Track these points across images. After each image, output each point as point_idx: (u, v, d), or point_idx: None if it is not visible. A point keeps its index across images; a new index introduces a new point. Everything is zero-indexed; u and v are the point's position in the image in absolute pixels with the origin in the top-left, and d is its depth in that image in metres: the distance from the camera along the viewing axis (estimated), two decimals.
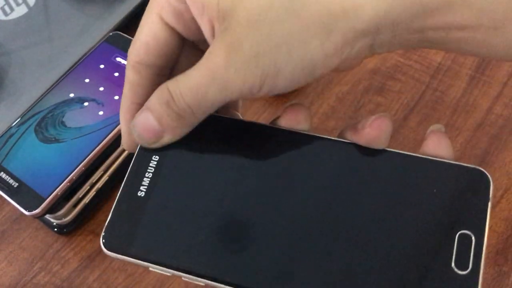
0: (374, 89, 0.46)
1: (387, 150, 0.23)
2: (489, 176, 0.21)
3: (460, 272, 0.20)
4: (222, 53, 0.21)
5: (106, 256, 0.40)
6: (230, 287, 0.21)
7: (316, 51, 0.21)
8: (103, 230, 0.23)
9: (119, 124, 0.40)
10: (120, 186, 0.24)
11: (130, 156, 0.42)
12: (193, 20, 0.24)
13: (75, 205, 0.40)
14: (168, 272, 0.22)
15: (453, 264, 0.20)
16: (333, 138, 0.24)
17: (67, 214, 0.40)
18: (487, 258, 0.37)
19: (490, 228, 0.38)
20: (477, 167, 0.22)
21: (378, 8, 0.20)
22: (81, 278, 0.39)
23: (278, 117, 0.25)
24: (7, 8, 0.53)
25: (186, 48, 0.26)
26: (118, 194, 0.23)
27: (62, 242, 0.41)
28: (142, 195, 0.23)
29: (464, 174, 0.22)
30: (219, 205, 0.23)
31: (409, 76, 0.46)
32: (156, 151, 0.24)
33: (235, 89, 0.21)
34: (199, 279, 0.22)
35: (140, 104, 0.25)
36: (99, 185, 0.41)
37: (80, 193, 0.40)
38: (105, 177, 0.41)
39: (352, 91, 0.46)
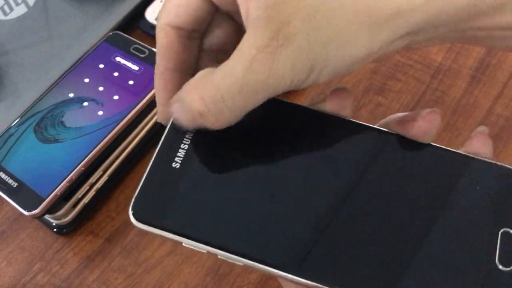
0: (375, 89, 0.46)
1: (432, 145, 0.23)
2: None
3: (504, 269, 0.20)
4: (274, 43, 0.20)
5: (105, 256, 0.40)
6: (269, 268, 0.20)
7: (363, 48, 0.20)
8: (133, 200, 0.21)
9: (118, 124, 0.40)
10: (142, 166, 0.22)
11: (130, 155, 0.42)
12: None
13: (74, 205, 0.40)
14: (203, 249, 0.21)
15: (497, 261, 0.20)
16: (380, 128, 0.23)
17: (67, 214, 0.40)
18: None
19: None
20: None
21: (430, 10, 0.20)
22: (80, 279, 0.39)
23: (320, 101, 0.24)
24: (6, 8, 0.53)
25: (219, 15, 0.25)
26: (151, 164, 0.22)
27: (62, 242, 0.41)
28: (177, 167, 0.22)
29: (505, 173, 0.22)
30: (261, 185, 0.22)
31: (409, 76, 0.46)
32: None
33: (285, 83, 0.20)
34: (239, 258, 0.21)
35: (172, 70, 0.24)
36: (98, 185, 0.41)
37: (79, 193, 0.40)
38: (105, 177, 0.41)
39: (352, 91, 0.46)
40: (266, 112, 0.22)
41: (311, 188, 0.22)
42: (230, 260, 0.21)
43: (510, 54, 0.47)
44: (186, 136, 0.22)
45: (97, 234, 0.41)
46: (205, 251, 0.21)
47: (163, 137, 0.23)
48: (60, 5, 0.53)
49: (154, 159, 0.22)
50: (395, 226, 0.21)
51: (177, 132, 0.22)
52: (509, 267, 0.20)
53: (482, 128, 0.24)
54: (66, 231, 0.41)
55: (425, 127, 0.23)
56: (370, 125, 0.23)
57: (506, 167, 0.22)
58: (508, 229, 0.21)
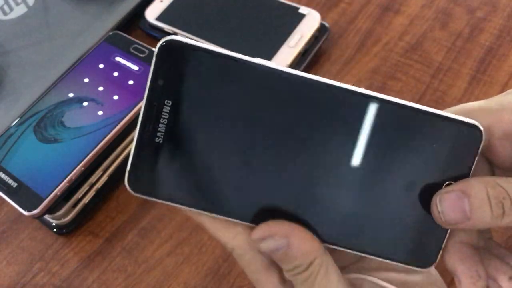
0: (375, 89, 0.46)
1: (377, 98, 0.24)
2: (482, 129, 0.23)
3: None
4: None
5: (105, 256, 0.40)
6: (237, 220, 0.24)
7: None
8: (126, 174, 0.23)
9: (118, 124, 0.40)
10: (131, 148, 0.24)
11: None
12: None
13: (74, 205, 0.40)
14: (188, 209, 0.24)
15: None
16: (333, 84, 0.24)
17: (66, 215, 0.40)
18: None
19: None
20: (473, 122, 0.23)
21: None
22: (80, 279, 0.39)
23: None
24: (6, 8, 0.53)
25: None
26: (135, 140, 0.23)
27: (62, 242, 0.41)
28: (160, 142, 0.23)
29: (459, 127, 0.23)
30: (231, 147, 0.23)
31: (410, 76, 0.46)
32: (167, 96, 0.23)
33: None
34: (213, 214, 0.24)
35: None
36: (98, 185, 0.41)
37: (79, 193, 0.40)
38: (105, 177, 0.41)
39: None
40: (232, 79, 0.23)
41: (275, 150, 0.23)
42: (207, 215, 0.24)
43: (510, 54, 0.47)
44: (164, 110, 0.23)
45: (97, 234, 0.41)
46: (194, 210, 0.24)
47: (141, 111, 0.24)
48: (60, 5, 0.53)
49: (138, 135, 0.24)
50: (342, 177, 0.23)
51: (157, 104, 0.23)
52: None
53: None
54: (66, 231, 0.41)
55: None
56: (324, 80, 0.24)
57: (457, 119, 0.23)
58: (451, 182, 0.23)
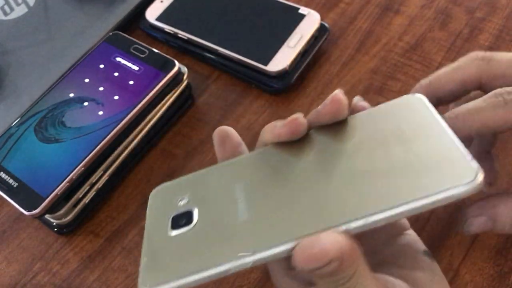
0: (374, 89, 0.46)
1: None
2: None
3: None
4: None
5: (106, 256, 0.40)
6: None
7: None
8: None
9: (119, 124, 0.40)
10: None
11: (130, 155, 0.42)
12: None
13: (75, 205, 0.40)
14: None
15: None
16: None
17: (67, 214, 0.40)
18: (487, 258, 0.37)
19: None
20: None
21: None
22: (81, 278, 0.39)
23: (320, 109, 0.27)
24: (7, 8, 0.53)
25: None
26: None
27: (62, 242, 0.41)
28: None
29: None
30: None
31: (409, 76, 0.46)
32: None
33: None
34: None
35: None
36: (99, 185, 0.41)
37: (80, 193, 0.40)
38: (105, 177, 0.41)
39: (352, 91, 0.46)
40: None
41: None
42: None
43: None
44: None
45: (98, 234, 0.41)
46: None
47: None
48: (60, 5, 0.53)
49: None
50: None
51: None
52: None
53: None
54: (67, 231, 0.41)
55: (333, 110, 0.26)
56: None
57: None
58: None
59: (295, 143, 0.27)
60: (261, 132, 0.29)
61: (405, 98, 0.28)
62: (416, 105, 0.27)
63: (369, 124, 0.27)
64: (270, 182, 0.26)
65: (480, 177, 0.22)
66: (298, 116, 0.27)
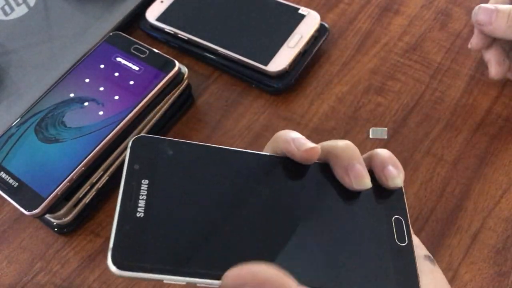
0: (374, 89, 0.46)
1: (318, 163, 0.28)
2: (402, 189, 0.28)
3: (402, 244, 0.27)
4: None
5: (106, 255, 0.40)
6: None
7: None
8: (110, 251, 0.24)
9: (119, 124, 0.40)
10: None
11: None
12: None
13: (75, 205, 0.40)
14: (181, 281, 0.24)
15: (396, 240, 0.27)
16: (264, 154, 0.28)
17: (67, 214, 0.40)
18: (486, 258, 0.37)
19: (489, 228, 0.38)
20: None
21: None
22: (81, 278, 0.39)
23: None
24: (7, 8, 0.53)
25: None
26: (116, 217, 0.25)
27: (62, 242, 0.41)
28: (141, 216, 0.25)
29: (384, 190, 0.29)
30: (202, 214, 0.26)
31: (409, 76, 0.47)
32: (144, 176, 0.26)
33: None
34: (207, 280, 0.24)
35: None
36: (99, 185, 0.41)
37: (80, 193, 0.40)
38: (105, 177, 0.41)
39: (352, 91, 0.46)
40: (193, 159, 0.27)
41: (235, 213, 0.26)
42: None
43: None
44: (142, 188, 0.26)
45: (98, 234, 0.41)
46: (184, 283, 0.24)
47: (121, 191, 0.27)
48: (60, 5, 0.53)
49: (119, 212, 0.26)
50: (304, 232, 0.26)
51: (135, 183, 0.27)
52: (404, 243, 0.27)
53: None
54: (67, 230, 0.41)
55: (305, 157, 0.27)
56: (256, 152, 0.28)
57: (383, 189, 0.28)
58: (397, 216, 0.28)
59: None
60: (274, 137, 0.28)
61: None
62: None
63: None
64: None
65: None
66: (317, 147, 0.27)
